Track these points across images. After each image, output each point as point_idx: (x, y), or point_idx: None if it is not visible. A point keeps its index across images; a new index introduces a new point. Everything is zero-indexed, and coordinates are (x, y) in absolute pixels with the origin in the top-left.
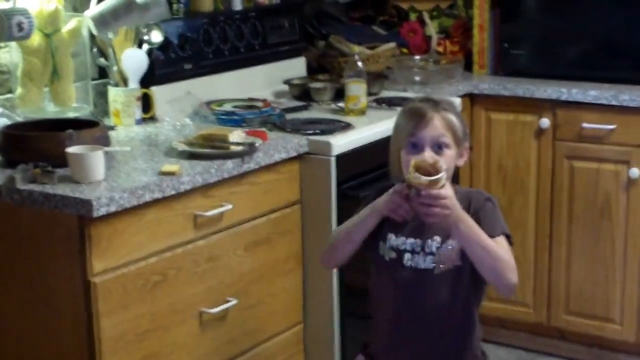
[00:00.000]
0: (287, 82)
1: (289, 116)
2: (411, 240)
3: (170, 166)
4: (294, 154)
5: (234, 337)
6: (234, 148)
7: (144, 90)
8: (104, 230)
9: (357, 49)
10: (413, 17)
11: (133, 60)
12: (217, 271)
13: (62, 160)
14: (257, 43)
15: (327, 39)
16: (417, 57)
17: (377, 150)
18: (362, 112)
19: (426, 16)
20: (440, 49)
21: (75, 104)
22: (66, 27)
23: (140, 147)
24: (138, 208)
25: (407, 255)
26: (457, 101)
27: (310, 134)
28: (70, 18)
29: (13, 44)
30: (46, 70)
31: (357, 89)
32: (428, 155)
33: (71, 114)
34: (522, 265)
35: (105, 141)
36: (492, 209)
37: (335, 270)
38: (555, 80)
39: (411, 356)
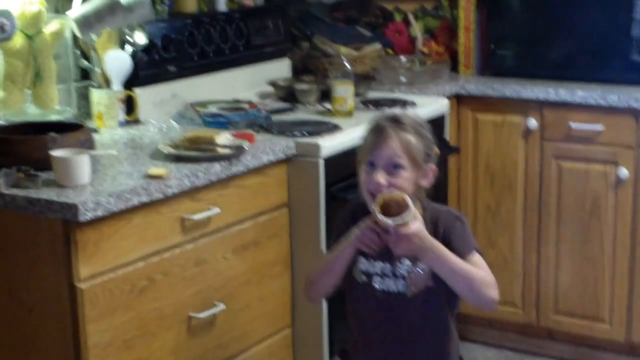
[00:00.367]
0: (272, 83)
1: (275, 118)
2: (380, 263)
3: (158, 169)
4: (282, 156)
5: (222, 342)
6: (221, 151)
7: (128, 92)
8: (90, 235)
9: (343, 50)
10: (398, 17)
11: (116, 62)
12: (205, 275)
13: (45, 164)
14: (242, 44)
15: (312, 40)
16: (403, 58)
17: None
18: (349, 114)
19: (411, 17)
20: (426, 49)
21: (57, 107)
22: (49, 29)
23: (125, 150)
24: (125, 212)
25: (377, 279)
26: (444, 104)
27: (298, 136)
28: (53, 19)
29: None
30: (28, 73)
31: (344, 91)
32: (380, 176)
33: (54, 117)
34: (511, 266)
35: (89, 144)
36: (462, 227)
37: None
38: (543, 80)
39: None
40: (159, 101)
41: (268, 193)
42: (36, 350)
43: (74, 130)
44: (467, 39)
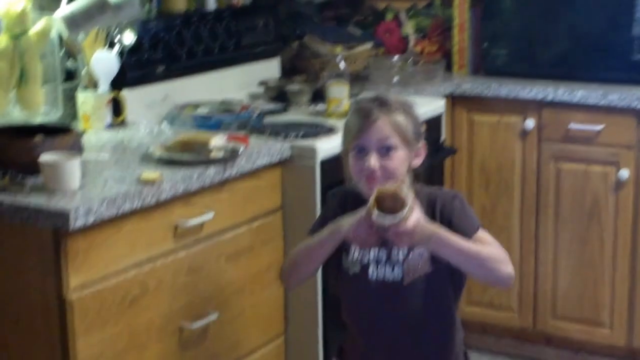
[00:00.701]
0: (263, 83)
1: (268, 119)
2: (374, 250)
3: (150, 174)
4: (277, 159)
5: (215, 352)
6: (215, 154)
7: (115, 93)
8: (81, 243)
9: (338, 49)
10: (389, 16)
11: (103, 63)
12: (197, 283)
13: (32, 169)
14: (231, 44)
15: (302, 39)
16: (395, 57)
17: None
18: (344, 115)
19: (403, 16)
20: (418, 49)
21: (43, 109)
22: (34, 28)
23: (114, 154)
24: (116, 219)
25: (372, 268)
26: (440, 105)
27: (293, 139)
28: (38, 18)
29: None
30: (13, 74)
31: (339, 91)
32: (373, 160)
33: (39, 119)
34: None
35: (78, 148)
36: (461, 206)
37: (318, 278)
38: (538, 79)
39: None
40: (148, 102)
41: (262, 197)
42: None
43: (61, 133)
44: (461, 38)
